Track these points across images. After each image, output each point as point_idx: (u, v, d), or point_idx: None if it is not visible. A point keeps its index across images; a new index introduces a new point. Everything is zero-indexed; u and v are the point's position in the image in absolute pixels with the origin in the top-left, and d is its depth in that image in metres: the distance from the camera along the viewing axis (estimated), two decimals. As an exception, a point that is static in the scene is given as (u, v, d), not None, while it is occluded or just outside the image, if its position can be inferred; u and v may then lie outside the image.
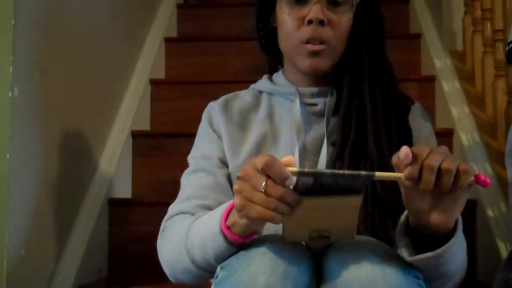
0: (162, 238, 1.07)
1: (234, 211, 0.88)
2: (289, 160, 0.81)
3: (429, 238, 0.87)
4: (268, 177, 0.81)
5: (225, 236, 0.89)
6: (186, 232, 0.98)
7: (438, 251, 0.85)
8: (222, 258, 0.91)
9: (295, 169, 0.80)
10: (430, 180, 0.80)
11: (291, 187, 0.82)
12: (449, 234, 0.86)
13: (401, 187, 0.85)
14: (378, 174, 0.81)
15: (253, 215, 0.82)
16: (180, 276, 1.02)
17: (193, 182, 1.13)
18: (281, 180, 0.80)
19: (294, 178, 0.81)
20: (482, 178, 0.81)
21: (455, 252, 0.88)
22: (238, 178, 0.83)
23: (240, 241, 0.89)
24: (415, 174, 0.80)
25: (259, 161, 0.81)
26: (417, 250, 0.88)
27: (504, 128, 1.83)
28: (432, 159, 0.80)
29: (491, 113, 1.97)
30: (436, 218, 0.84)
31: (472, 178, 0.81)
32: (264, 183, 0.80)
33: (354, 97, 1.13)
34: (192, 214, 1.05)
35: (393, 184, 0.83)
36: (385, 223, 1.02)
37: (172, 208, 1.11)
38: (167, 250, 1.04)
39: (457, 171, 0.80)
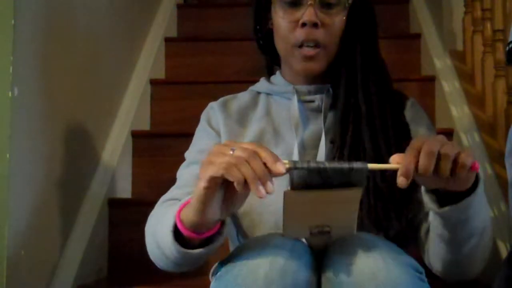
0: (147, 224, 1.08)
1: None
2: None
3: (451, 196, 0.91)
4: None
5: (175, 230, 0.90)
6: (160, 219, 1.00)
7: (463, 202, 0.89)
8: (172, 250, 0.92)
9: (287, 161, 0.81)
10: (429, 165, 0.82)
11: (288, 185, 0.82)
12: (470, 192, 0.90)
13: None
14: (371, 166, 0.83)
15: (210, 172, 0.81)
16: (159, 262, 1.03)
17: (186, 174, 1.16)
18: (272, 161, 0.80)
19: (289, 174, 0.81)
20: (477, 165, 0.84)
21: (478, 208, 0.92)
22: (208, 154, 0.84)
23: (189, 235, 0.89)
24: (411, 164, 0.82)
25: (248, 144, 0.81)
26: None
27: (504, 128, 1.83)
28: (431, 145, 0.82)
29: (491, 113, 1.97)
30: (450, 187, 0.88)
31: (469, 168, 0.83)
32: (232, 148, 0.81)
33: (351, 96, 1.15)
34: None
35: (394, 177, 0.84)
36: (389, 214, 1.04)
37: (164, 196, 1.13)
38: (147, 237, 1.06)
39: (456, 159, 0.83)
